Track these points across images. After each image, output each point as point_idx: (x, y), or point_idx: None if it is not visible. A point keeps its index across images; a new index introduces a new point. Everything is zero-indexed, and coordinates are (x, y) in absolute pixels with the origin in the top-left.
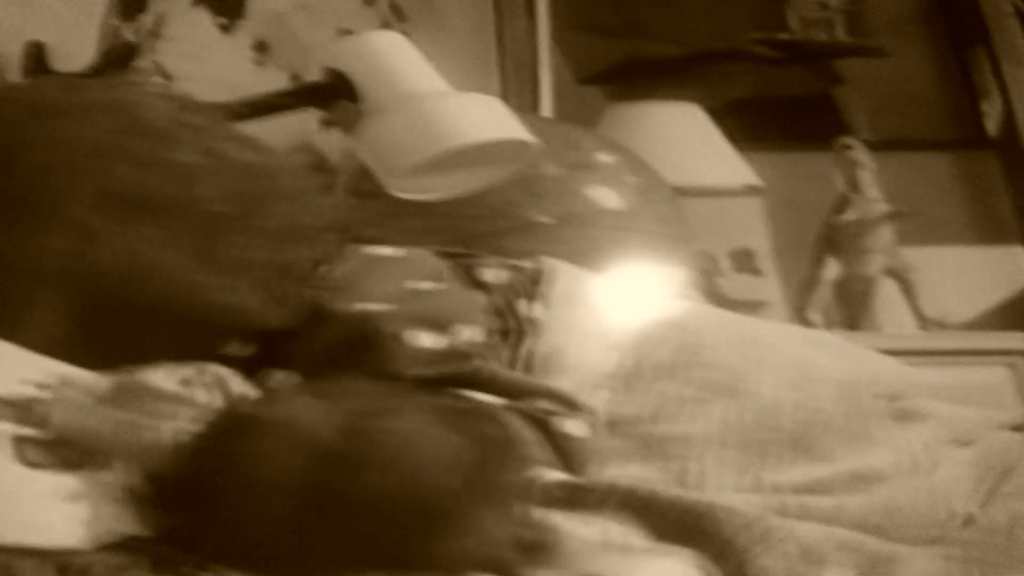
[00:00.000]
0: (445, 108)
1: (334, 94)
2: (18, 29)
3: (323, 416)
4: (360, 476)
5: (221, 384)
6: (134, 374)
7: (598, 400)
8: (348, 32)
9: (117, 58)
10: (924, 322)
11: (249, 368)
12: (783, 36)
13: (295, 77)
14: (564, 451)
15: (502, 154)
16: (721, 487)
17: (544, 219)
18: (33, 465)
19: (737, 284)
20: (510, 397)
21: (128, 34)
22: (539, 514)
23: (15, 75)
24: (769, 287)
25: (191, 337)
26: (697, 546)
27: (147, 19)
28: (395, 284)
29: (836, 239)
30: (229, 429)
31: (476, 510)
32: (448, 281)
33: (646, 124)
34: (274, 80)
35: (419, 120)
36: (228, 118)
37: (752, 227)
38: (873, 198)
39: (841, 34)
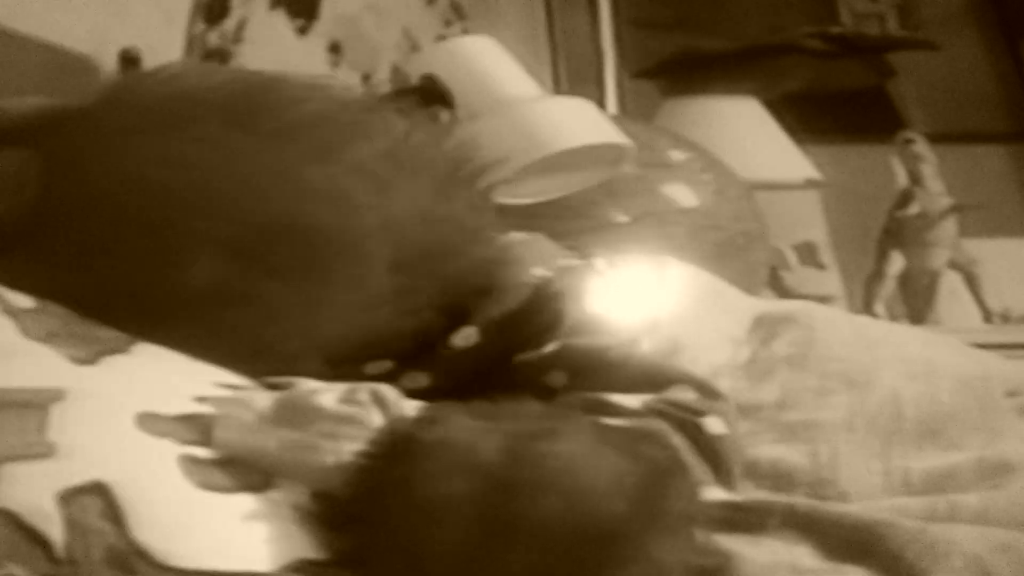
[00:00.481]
0: (543, 113)
1: (429, 99)
2: (108, 34)
3: (485, 437)
4: (527, 501)
5: (380, 401)
6: (296, 391)
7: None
8: (412, 32)
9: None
10: (988, 315)
11: (390, 376)
12: (835, 30)
13: (366, 77)
14: (712, 454)
15: (597, 157)
16: (853, 468)
17: (622, 218)
18: (204, 486)
19: (800, 277)
20: (650, 384)
21: (213, 39)
22: (707, 537)
23: (99, 75)
24: (831, 280)
25: (348, 360)
26: (866, 563)
27: (230, 23)
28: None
29: (900, 233)
30: (394, 450)
31: (646, 536)
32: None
33: (705, 119)
34: (346, 81)
35: (518, 126)
36: None
37: (811, 220)
38: (936, 192)
39: (893, 28)
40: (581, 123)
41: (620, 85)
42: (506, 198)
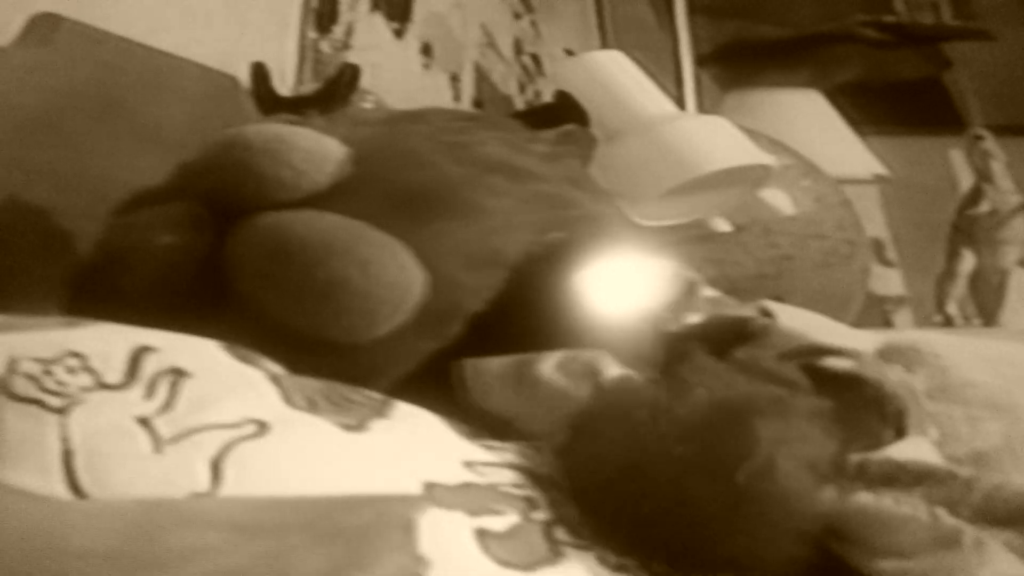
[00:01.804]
0: (687, 133)
1: (565, 117)
2: (231, 45)
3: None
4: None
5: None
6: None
7: None
8: (489, 27)
9: (347, 82)
10: None
11: None
12: (890, 19)
13: (454, 78)
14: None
15: (738, 176)
16: None
17: (725, 227)
18: (503, 563)
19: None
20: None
21: (325, 47)
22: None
23: (245, 96)
24: (895, 279)
25: None
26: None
27: (339, 30)
28: None
29: (971, 231)
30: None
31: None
32: None
33: (769, 111)
34: (437, 82)
35: (662, 147)
36: None
37: (869, 216)
38: (1006, 189)
39: (947, 17)
40: (726, 143)
41: (668, 72)
42: (652, 220)
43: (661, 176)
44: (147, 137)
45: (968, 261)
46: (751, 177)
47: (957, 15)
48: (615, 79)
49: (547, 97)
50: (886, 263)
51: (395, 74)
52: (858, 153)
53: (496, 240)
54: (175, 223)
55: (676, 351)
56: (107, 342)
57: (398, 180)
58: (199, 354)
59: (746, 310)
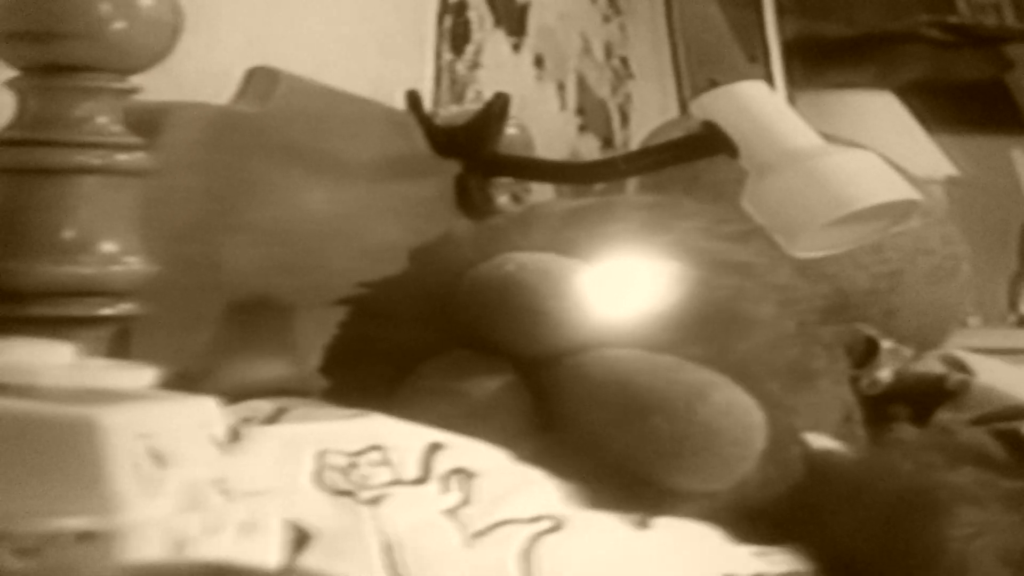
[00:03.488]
0: (840, 169)
1: (713, 148)
2: (376, 70)
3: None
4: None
5: None
6: None
7: None
8: (586, 34)
9: (498, 113)
10: None
11: None
12: (953, 19)
13: (560, 87)
14: None
15: (886, 211)
16: None
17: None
18: None
19: None
20: (998, 415)
21: (460, 68)
22: None
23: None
24: None
25: None
26: None
27: (470, 50)
28: None
29: None
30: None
31: None
32: None
33: (843, 113)
34: (546, 93)
35: (817, 182)
36: (608, 178)
37: None
38: None
39: (1010, 19)
40: (879, 178)
41: (736, 69)
42: (804, 252)
43: (817, 211)
44: (348, 177)
45: None
46: (899, 211)
47: (1019, 17)
48: (764, 110)
49: (638, 101)
50: None
51: (513, 88)
52: (931, 154)
53: (788, 349)
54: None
55: (878, 415)
56: (404, 437)
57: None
58: (482, 455)
59: (937, 366)
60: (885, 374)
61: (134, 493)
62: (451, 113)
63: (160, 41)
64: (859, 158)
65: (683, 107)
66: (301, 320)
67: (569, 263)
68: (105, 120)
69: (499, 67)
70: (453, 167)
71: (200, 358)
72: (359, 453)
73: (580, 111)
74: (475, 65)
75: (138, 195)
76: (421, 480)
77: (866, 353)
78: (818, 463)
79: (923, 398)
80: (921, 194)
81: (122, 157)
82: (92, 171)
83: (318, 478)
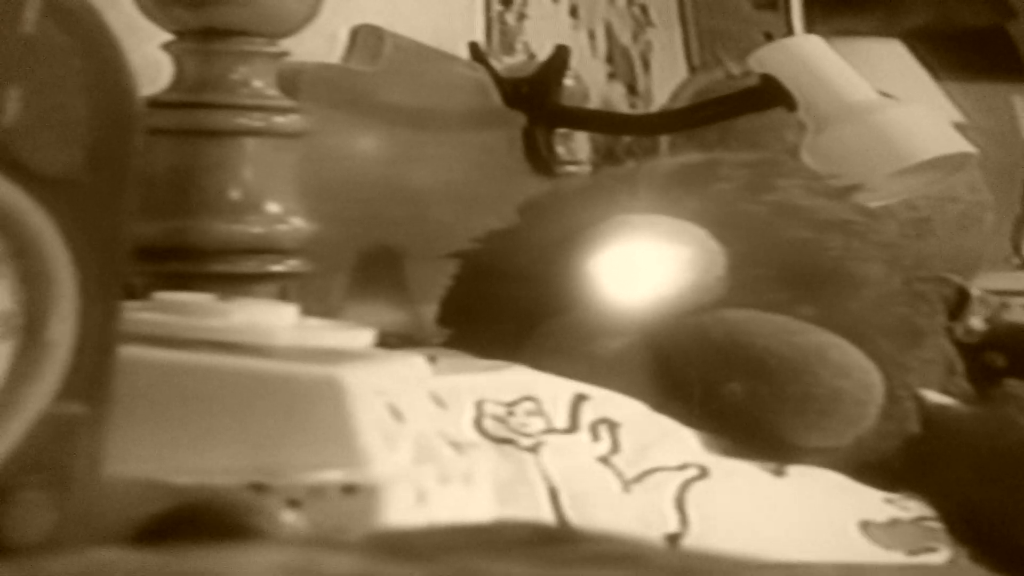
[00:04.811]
0: (899, 122)
1: (772, 101)
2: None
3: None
4: None
5: None
6: None
7: None
8: None
9: (558, 67)
10: None
11: None
12: None
13: (591, 35)
14: None
15: (942, 163)
16: None
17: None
18: None
19: None
20: None
21: (509, 19)
22: None
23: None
24: None
25: None
26: None
27: (518, 0)
28: None
29: None
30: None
31: None
32: None
33: (850, 60)
34: (580, 41)
35: (878, 135)
36: (668, 130)
37: None
38: None
39: None
40: (935, 131)
41: (742, 17)
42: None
43: (878, 163)
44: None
45: None
46: (953, 163)
47: None
48: (821, 64)
49: (658, 49)
50: None
51: (556, 38)
52: (938, 101)
53: (897, 307)
54: None
55: (974, 365)
56: (553, 388)
57: (777, 261)
58: (624, 406)
59: None
60: (977, 322)
61: (380, 447)
62: (511, 65)
63: (309, 4)
64: (916, 112)
65: (687, 54)
66: (411, 270)
67: (679, 226)
68: (261, 84)
69: (542, 18)
70: (519, 119)
71: (335, 307)
72: (514, 403)
73: (609, 59)
74: (522, 16)
75: (295, 156)
76: (571, 429)
77: (958, 302)
78: (934, 418)
79: (1019, 346)
80: (973, 148)
81: (280, 119)
82: (253, 133)
83: (479, 426)
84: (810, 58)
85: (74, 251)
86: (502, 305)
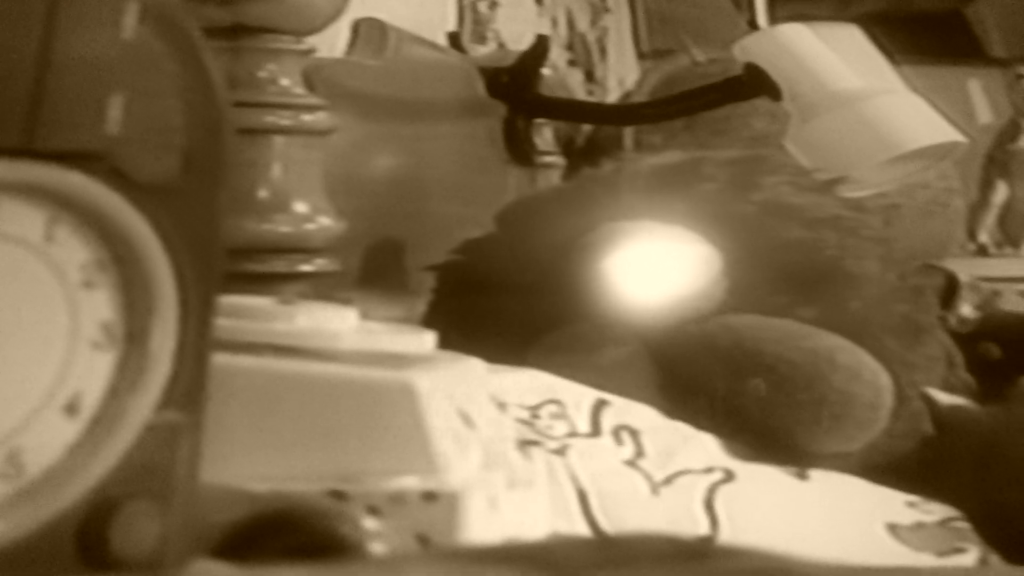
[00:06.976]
0: (887, 111)
1: (756, 90)
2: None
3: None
4: None
5: None
6: None
7: None
8: None
9: (538, 56)
10: None
11: None
12: None
13: (554, 22)
14: None
15: (931, 152)
16: None
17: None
18: None
19: None
20: None
21: (482, 7)
22: None
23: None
24: None
25: None
26: None
27: None
28: None
29: (1007, 164)
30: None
31: None
32: None
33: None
34: (543, 27)
35: (865, 124)
36: (650, 119)
37: None
38: None
39: None
40: (924, 120)
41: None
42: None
43: (866, 152)
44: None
45: (1002, 192)
46: (940, 151)
47: None
48: (807, 52)
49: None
50: None
51: (525, 26)
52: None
53: (898, 304)
54: None
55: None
56: (575, 392)
57: (773, 263)
58: (642, 413)
59: (1022, 303)
60: (969, 310)
61: (454, 453)
62: (486, 55)
63: (335, 2)
64: (905, 100)
65: (636, 39)
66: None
67: (671, 231)
68: (288, 82)
69: (511, 6)
70: (500, 109)
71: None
72: (538, 406)
73: (569, 46)
74: (494, 4)
75: (322, 155)
76: (594, 434)
77: (947, 290)
78: (949, 419)
79: (1015, 336)
80: (963, 138)
81: (307, 117)
82: (282, 131)
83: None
84: (796, 46)
85: (173, 258)
86: (496, 318)
